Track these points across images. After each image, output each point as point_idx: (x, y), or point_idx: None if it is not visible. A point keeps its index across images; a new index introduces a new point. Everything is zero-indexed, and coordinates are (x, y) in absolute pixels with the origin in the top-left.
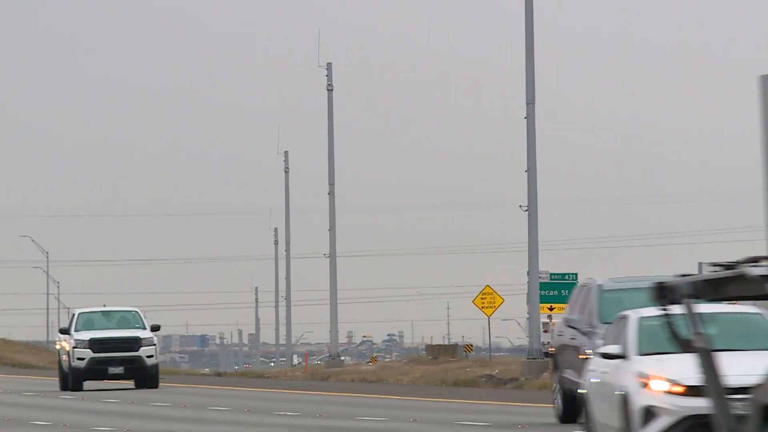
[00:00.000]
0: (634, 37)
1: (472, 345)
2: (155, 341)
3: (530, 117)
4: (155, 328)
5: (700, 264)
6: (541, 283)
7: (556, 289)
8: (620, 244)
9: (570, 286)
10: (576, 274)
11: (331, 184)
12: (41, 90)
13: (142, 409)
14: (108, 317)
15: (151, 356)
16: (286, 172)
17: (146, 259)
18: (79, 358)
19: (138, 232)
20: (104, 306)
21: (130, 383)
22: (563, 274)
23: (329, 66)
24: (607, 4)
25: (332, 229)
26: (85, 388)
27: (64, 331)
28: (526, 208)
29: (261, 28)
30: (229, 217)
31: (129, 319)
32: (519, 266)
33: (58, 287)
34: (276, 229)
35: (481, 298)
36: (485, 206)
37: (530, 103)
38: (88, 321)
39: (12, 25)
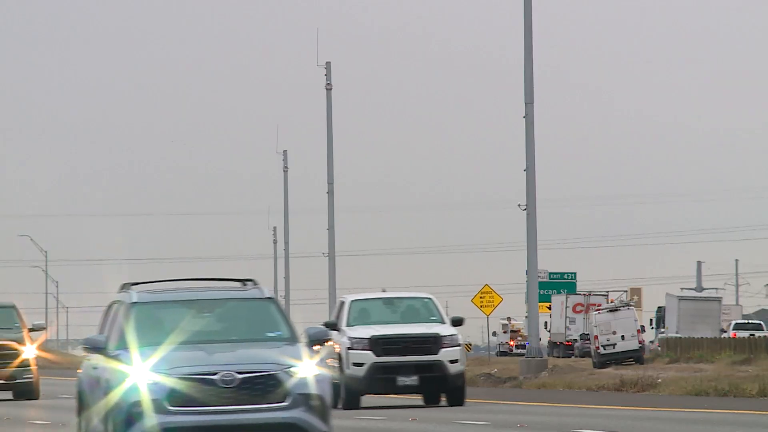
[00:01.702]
0: (633, 38)
1: (470, 344)
2: (460, 341)
3: (529, 116)
4: (457, 322)
5: (699, 264)
6: (540, 282)
7: (555, 288)
8: (619, 244)
9: (569, 285)
10: (574, 274)
11: (330, 183)
12: (40, 89)
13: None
14: (392, 306)
15: (455, 361)
16: (285, 171)
17: (145, 259)
18: (355, 364)
19: (137, 232)
20: (384, 291)
21: (416, 398)
22: (562, 273)
23: (328, 65)
24: (606, 5)
25: (331, 228)
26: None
27: (331, 326)
28: (525, 207)
29: (260, 28)
30: (228, 216)
31: (419, 309)
32: (518, 265)
33: (57, 287)
34: (275, 228)
35: (480, 297)
36: (484, 205)
37: (529, 102)
38: (363, 312)
39: (12, 26)
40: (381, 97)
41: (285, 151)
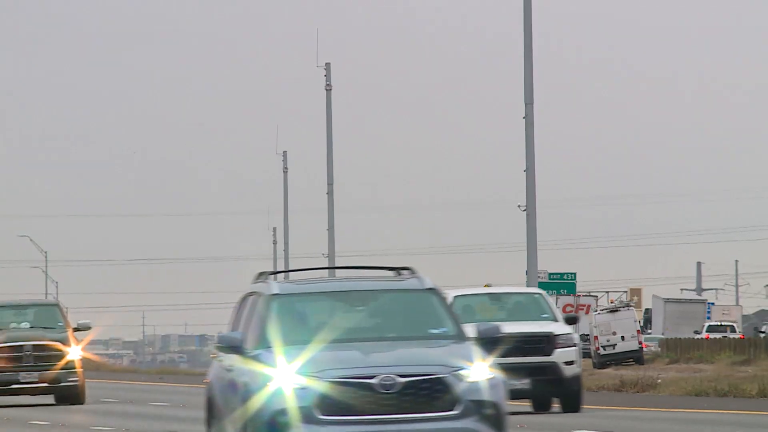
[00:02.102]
0: (633, 38)
1: None
2: (576, 340)
3: (529, 117)
4: (571, 320)
5: (698, 264)
6: (540, 282)
7: (554, 288)
8: (619, 244)
9: (569, 286)
10: (574, 274)
11: (330, 183)
12: (40, 90)
13: (140, 409)
14: (499, 303)
15: (571, 363)
16: (285, 171)
17: (144, 259)
18: None
19: (136, 232)
20: (488, 286)
21: (524, 404)
22: (562, 274)
23: (328, 66)
24: (606, 5)
25: (331, 228)
26: None
27: None
28: (525, 207)
29: (260, 29)
30: (228, 217)
31: (529, 305)
32: (518, 266)
33: (57, 287)
34: (275, 229)
35: None
36: (484, 206)
37: (529, 103)
38: (467, 308)
39: (11, 26)
40: (381, 97)
41: (285, 152)
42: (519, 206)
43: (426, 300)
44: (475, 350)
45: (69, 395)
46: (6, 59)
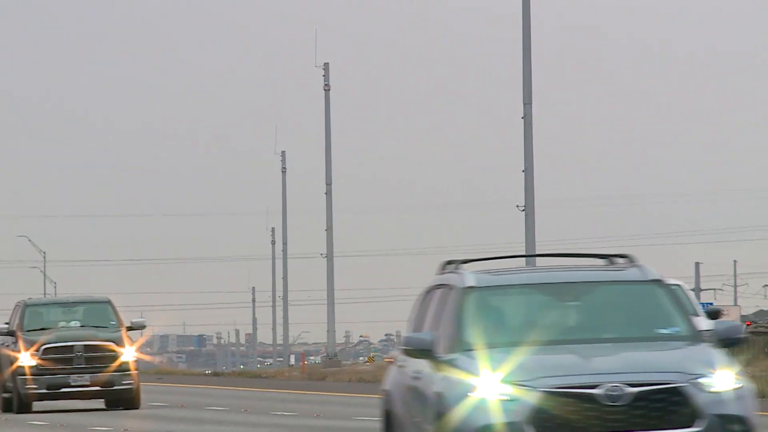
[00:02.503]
0: (632, 38)
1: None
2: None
3: (527, 117)
4: (714, 314)
5: (697, 264)
6: None
7: None
8: (618, 244)
9: None
10: None
11: (328, 183)
12: (40, 90)
13: (139, 409)
14: None
15: None
16: (284, 172)
17: (143, 259)
18: None
19: (135, 232)
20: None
21: None
22: None
23: (326, 66)
24: (605, 6)
25: (329, 228)
26: None
27: None
28: (523, 208)
29: (258, 29)
30: (226, 217)
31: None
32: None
33: (55, 287)
34: (273, 229)
35: None
36: (482, 206)
37: (527, 103)
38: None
39: (11, 27)
40: (379, 97)
41: (283, 152)
42: (518, 206)
43: (651, 294)
44: (717, 354)
45: (123, 399)
46: (6, 59)
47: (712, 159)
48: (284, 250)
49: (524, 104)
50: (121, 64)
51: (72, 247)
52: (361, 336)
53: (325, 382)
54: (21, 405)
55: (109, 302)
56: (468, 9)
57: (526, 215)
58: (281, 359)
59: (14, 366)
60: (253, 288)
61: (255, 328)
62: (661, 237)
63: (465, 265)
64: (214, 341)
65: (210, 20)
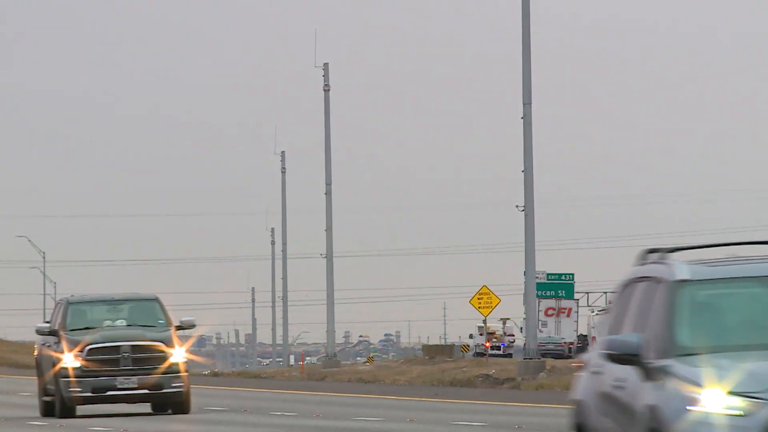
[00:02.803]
0: (632, 39)
1: (468, 345)
2: None
3: (527, 117)
4: None
5: None
6: (537, 283)
7: (552, 289)
8: (618, 244)
9: (567, 287)
10: (573, 275)
11: (328, 184)
12: (40, 90)
13: (139, 409)
14: None
15: None
16: (283, 172)
17: (143, 259)
18: None
19: (134, 233)
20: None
21: None
22: (560, 275)
23: (326, 66)
24: (605, 6)
25: (329, 229)
26: None
27: None
28: (523, 208)
29: (258, 29)
30: (226, 218)
31: None
32: (516, 266)
33: (55, 287)
34: (273, 230)
35: (478, 299)
36: (482, 206)
37: (527, 103)
38: None
39: (11, 27)
40: (379, 97)
41: (283, 152)
42: (517, 206)
43: None
44: None
45: (172, 403)
46: (6, 59)
47: (712, 159)
48: (284, 250)
49: (524, 104)
50: (122, 66)
51: (72, 247)
52: (360, 336)
53: (325, 382)
54: (64, 409)
55: (156, 299)
56: (468, 10)
57: (525, 215)
58: (281, 359)
59: (57, 368)
60: (253, 288)
61: (255, 329)
62: (661, 237)
63: (672, 254)
64: (214, 342)
65: (210, 21)
